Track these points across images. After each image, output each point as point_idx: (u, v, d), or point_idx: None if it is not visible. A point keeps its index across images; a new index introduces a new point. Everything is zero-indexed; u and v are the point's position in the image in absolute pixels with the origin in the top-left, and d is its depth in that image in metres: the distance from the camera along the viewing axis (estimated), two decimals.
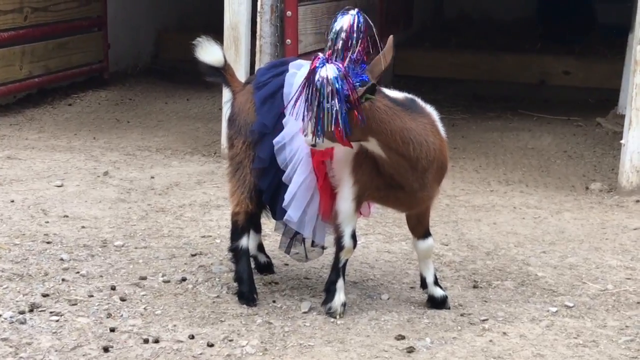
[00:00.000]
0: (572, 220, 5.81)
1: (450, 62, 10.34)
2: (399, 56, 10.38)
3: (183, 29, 11.17)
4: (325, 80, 3.77)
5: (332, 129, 3.80)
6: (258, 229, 4.71)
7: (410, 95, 4.14)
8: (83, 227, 5.33)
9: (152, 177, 6.47)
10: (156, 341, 3.90)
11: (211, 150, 7.35)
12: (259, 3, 6.75)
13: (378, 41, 3.95)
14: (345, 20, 3.86)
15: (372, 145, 3.98)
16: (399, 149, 3.95)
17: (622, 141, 6.41)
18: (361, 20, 3.87)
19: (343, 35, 3.85)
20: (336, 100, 3.77)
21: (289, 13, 6.70)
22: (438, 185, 4.18)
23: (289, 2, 6.68)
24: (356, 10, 3.90)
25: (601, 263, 5.05)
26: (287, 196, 4.18)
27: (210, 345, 3.88)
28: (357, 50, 3.86)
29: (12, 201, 5.75)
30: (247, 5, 6.95)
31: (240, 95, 4.45)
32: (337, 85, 3.77)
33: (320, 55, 3.85)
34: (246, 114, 4.35)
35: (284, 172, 4.21)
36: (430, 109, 4.15)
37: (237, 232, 4.42)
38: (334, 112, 3.78)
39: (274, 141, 4.20)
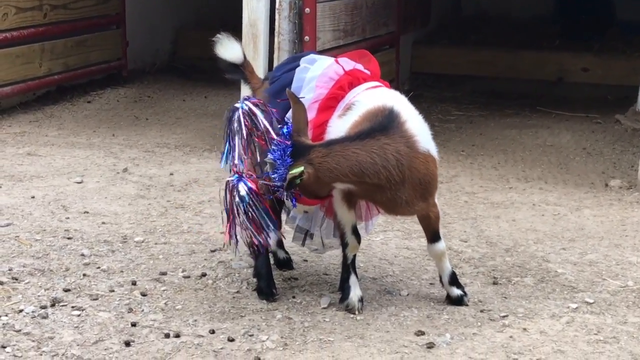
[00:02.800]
0: (592, 217, 5.79)
1: (468, 59, 10.31)
2: (416, 54, 10.44)
3: (201, 26, 11.19)
4: (239, 200, 3.94)
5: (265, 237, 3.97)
6: (276, 225, 4.70)
7: (391, 108, 4.04)
8: (103, 223, 5.36)
9: (171, 174, 6.50)
10: (177, 336, 3.92)
11: None
12: (277, 0, 6.75)
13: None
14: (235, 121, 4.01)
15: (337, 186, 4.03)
16: (356, 182, 3.96)
17: None
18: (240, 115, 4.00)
19: (237, 141, 4.00)
20: (258, 210, 3.94)
21: (307, 10, 6.70)
22: (423, 199, 4.08)
23: None
24: (240, 101, 4.04)
25: (621, 260, 5.04)
26: None
27: (231, 340, 3.90)
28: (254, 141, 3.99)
29: (33, 197, 5.79)
30: (265, 2, 6.95)
31: (259, 92, 4.47)
32: (249, 201, 3.93)
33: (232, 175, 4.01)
34: None
35: None
36: (411, 123, 4.04)
37: None
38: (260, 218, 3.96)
39: None
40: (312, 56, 4.40)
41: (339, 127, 4.12)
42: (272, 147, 3.94)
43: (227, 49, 4.53)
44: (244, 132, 3.99)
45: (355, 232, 4.22)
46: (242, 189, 3.94)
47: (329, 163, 3.90)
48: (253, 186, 3.96)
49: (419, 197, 4.06)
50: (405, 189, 4.00)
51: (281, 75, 4.38)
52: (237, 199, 3.95)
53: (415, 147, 4.01)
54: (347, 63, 4.33)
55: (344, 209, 4.17)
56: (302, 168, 3.87)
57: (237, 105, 4.06)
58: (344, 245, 4.23)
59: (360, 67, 4.37)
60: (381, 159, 3.92)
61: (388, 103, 4.07)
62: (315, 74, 4.26)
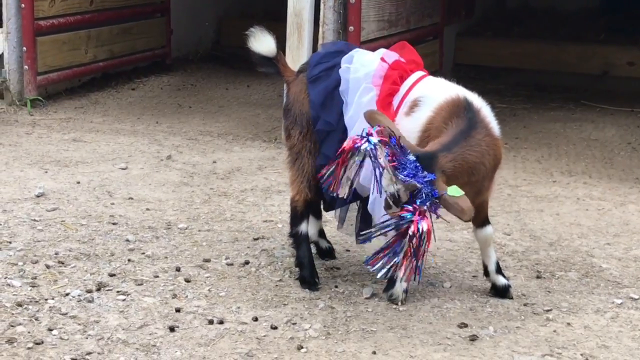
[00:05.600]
0: (637, 213, 5.73)
1: (512, 52, 10.23)
2: (460, 45, 10.38)
3: (244, 15, 11.22)
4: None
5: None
6: (318, 215, 4.72)
7: (465, 99, 4.05)
8: (147, 209, 5.41)
9: (214, 162, 6.53)
10: (221, 322, 3.95)
11: (272, 136, 7.39)
12: None
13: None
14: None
15: None
16: (465, 183, 3.92)
17: None
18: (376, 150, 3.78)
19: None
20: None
21: (352, 0, 6.69)
22: (492, 181, 4.15)
23: None
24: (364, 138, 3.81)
25: None
26: (371, 198, 4.05)
27: (274, 327, 3.91)
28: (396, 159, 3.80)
29: (78, 182, 5.85)
30: None
31: (294, 85, 4.46)
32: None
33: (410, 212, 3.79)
34: (301, 104, 4.36)
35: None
36: (484, 110, 4.08)
37: (296, 218, 4.46)
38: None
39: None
40: (349, 54, 4.36)
41: (409, 125, 4.10)
42: (399, 167, 3.80)
43: (261, 42, 4.53)
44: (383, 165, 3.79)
45: None
46: (424, 226, 3.78)
47: (455, 168, 3.89)
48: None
49: (491, 182, 4.12)
50: (488, 177, 4.06)
51: (320, 73, 4.35)
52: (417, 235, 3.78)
53: (494, 134, 4.07)
54: (390, 56, 4.31)
55: None
56: (462, 192, 3.77)
57: (361, 145, 3.79)
58: None
59: (401, 59, 4.35)
60: (482, 156, 3.96)
61: (458, 94, 4.09)
62: (359, 75, 4.24)
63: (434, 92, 4.14)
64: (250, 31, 4.51)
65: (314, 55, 4.59)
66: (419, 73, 4.28)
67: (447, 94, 4.11)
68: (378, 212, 4.02)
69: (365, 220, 4.35)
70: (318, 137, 4.29)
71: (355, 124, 4.16)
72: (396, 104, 4.17)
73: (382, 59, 4.26)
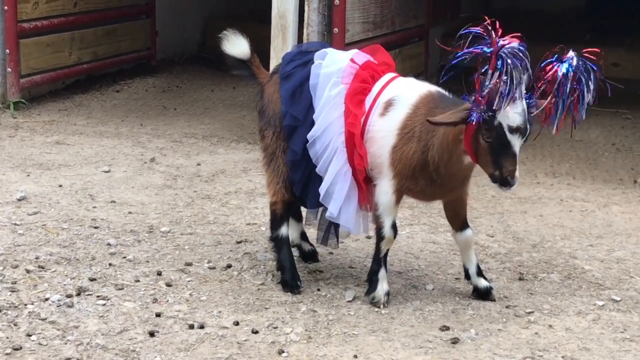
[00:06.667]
0: (620, 214, 5.74)
1: None
2: (446, 46, 10.35)
3: (230, 17, 11.19)
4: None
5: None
6: (299, 218, 4.71)
7: (438, 90, 4.18)
8: (130, 212, 5.38)
9: (198, 164, 6.51)
10: (201, 327, 3.93)
11: (257, 138, 7.28)
12: None
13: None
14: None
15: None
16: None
17: None
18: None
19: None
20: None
21: (337, 2, 6.69)
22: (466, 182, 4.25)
23: None
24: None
25: None
26: (323, 189, 4.17)
27: (255, 332, 3.90)
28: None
29: (60, 186, 5.82)
30: None
31: (268, 86, 4.45)
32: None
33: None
34: (274, 105, 4.36)
35: (315, 164, 4.21)
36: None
37: (276, 221, 4.45)
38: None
39: (308, 136, 4.19)
40: (322, 51, 4.37)
41: (385, 125, 4.12)
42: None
43: (234, 45, 4.52)
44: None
45: (394, 227, 4.20)
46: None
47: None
48: None
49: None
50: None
51: (292, 70, 4.34)
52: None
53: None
54: (361, 57, 4.31)
55: (393, 202, 4.14)
56: None
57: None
58: (380, 237, 4.21)
59: (373, 60, 4.35)
60: None
61: (429, 90, 4.15)
62: (331, 70, 4.23)
63: (406, 91, 4.16)
64: (224, 34, 4.50)
65: (287, 53, 4.58)
66: (391, 74, 4.28)
67: (420, 91, 4.15)
68: (333, 198, 4.12)
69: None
70: (286, 133, 4.28)
71: (320, 116, 4.15)
72: (368, 104, 4.17)
73: (352, 60, 4.25)
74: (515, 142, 3.79)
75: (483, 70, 3.76)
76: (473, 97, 3.81)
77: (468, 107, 3.85)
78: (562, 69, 3.83)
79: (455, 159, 4.00)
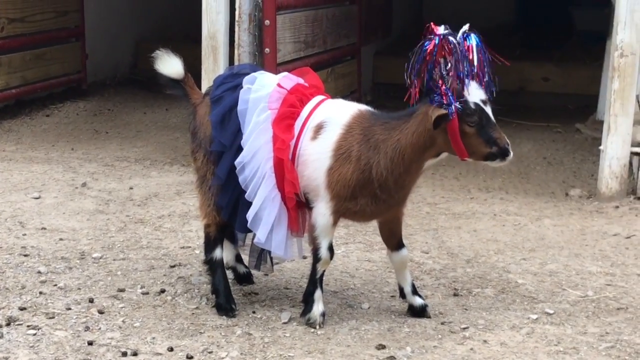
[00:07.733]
0: (552, 227, 5.81)
1: None
2: (378, 64, 10.43)
3: (162, 38, 11.10)
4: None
5: None
6: (234, 240, 4.67)
7: (368, 109, 4.23)
8: (61, 239, 5.29)
9: (131, 188, 6.43)
10: (135, 354, 3.86)
11: (190, 160, 7.28)
12: (237, 12, 6.71)
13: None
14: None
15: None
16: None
17: (601, 147, 6.42)
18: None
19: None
20: None
21: (267, 22, 6.67)
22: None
23: (268, 10, 6.65)
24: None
25: (581, 269, 5.05)
26: (251, 214, 4.14)
27: (190, 357, 3.85)
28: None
29: None
30: (225, 14, 6.93)
31: (200, 107, 4.42)
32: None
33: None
34: (205, 128, 4.33)
35: (244, 189, 4.18)
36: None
37: (209, 243, 4.41)
38: None
39: (236, 162, 4.16)
40: (252, 75, 4.34)
41: (317, 148, 4.10)
42: None
43: (167, 65, 4.48)
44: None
45: (331, 248, 4.19)
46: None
47: None
48: None
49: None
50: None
51: (222, 94, 4.31)
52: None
53: None
54: (289, 81, 4.29)
55: (330, 224, 4.13)
56: None
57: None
58: (317, 259, 4.18)
59: (303, 83, 4.34)
60: None
61: (359, 109, 4.17)
62: (260, 94, 4.21)
63: (337, 112, 4.15)
64: (157, 53, 4.46)
65: (217, 76, 4.55)
66: (319, 97, 4.27)
67: (351, 111, 4.16)
68: (262, 223, 4.10)
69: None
70: (213, 158, 4.25)
71: (248, 141, 4.13)
72: (298, 128, 4.15)
73: (279, 85, 4.23)
74: (490, 113, 3.92)
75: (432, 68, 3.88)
76: (436, 97, 3.86)
77: (425, 111, 3.89)
78: (473, 40, 4.01)
79: (414, 169, 4.03)
